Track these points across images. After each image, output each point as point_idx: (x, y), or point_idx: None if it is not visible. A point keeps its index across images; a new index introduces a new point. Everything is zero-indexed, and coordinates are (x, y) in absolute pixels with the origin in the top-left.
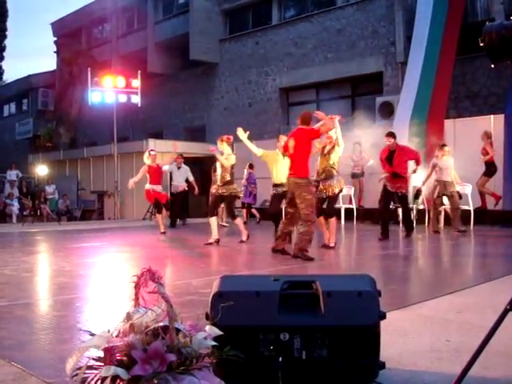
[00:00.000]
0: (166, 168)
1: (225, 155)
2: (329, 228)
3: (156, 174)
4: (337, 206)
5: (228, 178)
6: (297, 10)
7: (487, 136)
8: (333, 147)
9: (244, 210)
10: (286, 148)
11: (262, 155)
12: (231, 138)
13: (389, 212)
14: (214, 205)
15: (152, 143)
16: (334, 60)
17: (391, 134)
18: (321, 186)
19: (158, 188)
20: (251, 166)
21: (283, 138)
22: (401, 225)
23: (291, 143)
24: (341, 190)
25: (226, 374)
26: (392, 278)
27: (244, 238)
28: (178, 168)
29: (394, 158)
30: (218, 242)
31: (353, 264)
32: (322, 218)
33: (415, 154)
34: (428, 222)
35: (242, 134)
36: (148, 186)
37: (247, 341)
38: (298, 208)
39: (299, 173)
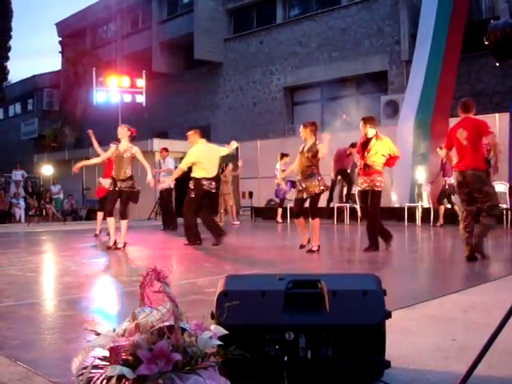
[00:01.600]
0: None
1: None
2: (312, 230)
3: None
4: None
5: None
6: (301, 9)
7: None
8: (312, 145)
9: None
10: (451, 140)
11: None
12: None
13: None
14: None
15: (157, 142)
16: (339, 59)
17: (367, 119)
18: (300, 186)
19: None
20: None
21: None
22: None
23: (462, 134)
24: (322, 191)
25: (231, 374)
26: (397, 276)
27: (111, 244)
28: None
29: (368, 146)
30: (115, 244)
31: (357, 263)
32: (301, 219)
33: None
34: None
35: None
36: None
37: (252, 340)
38: (477, 203)
39: (480, 165)
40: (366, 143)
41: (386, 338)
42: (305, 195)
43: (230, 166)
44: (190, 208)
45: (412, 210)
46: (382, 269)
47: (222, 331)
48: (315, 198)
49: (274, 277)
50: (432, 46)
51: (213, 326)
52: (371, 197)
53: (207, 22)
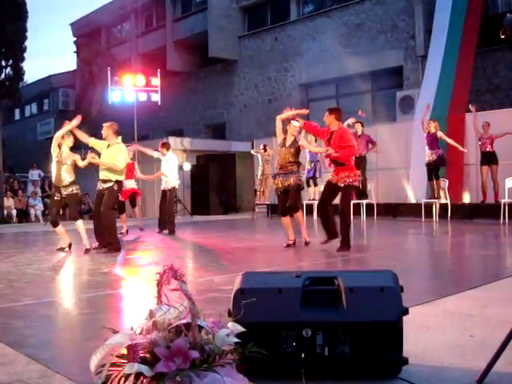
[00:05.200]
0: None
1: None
2: (299, 224)
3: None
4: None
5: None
6: (315, 5)
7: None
8: (296, 140)
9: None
10: None
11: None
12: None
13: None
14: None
15: (172, 141)
16: (354, 55)
17: (331, 110)
18: (277, 181)
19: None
20: None
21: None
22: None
23: None
24: (299, 186)
25: (248, 371)
26: (414, 273)
27: (88, 245)
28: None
29: (331, 140)
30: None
31: (374, 260)
32: (287, 218)
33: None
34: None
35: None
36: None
37: (270, 337)
38: None
39: None
40: (330, 138)
41: (404, 335)
42: (282, 189)
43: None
44: (112, 209)
45: (429, 206)
46: (398, 265)
47: (239, 328)
48: (295, 190)
49: (290, 274)
50: (447, 40)
51: (230, 324)
52: (344, 191)
53: (221, 19)
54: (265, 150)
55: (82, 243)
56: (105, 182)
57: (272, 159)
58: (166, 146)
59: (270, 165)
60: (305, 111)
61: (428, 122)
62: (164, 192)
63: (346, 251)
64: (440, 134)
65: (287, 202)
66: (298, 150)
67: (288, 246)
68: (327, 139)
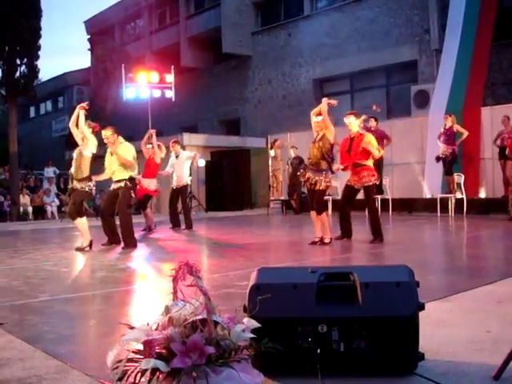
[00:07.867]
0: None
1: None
2: (320, 225)
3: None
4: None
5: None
6: (329, 0)
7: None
8: (323, 134)
9: None
10: None
11: None
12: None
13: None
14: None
15: (186, 137)
16: (368, 49)
17: (353, 114)
18: (309, 174)
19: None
20: None
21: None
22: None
23: None
24: (327, 187)
25: (264, 366)
26: (430, 268)
27: (84, 244)
28: (176, 156)
29: (352, 145)
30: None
31: (389, 255)
32: (315, 212)
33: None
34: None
35: None
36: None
37: (285, 333)
38: None
39: None
40: (350, 145)
41: (420, 330)
42: (309, 184)
43: (279, 140)
44: (126, 208)
45: (445, 201)
46: (414, 260)
47: (255, 324)
48: (321, 192)
49: (306, 269)
50: (462, 34)
51: (245, 319)
52: (366, 192)
53: (235, 15)
54: (271, 147)
55: (103, 238)
56: (117, 181)
57: (281, 154)
58: (179, 143)
59: (277, 161)
60: (334, 102)
61: (444, 117)
62: (177, 190)
63: (379, 242)
64: (457, 127)
65: (313, 201)
66: (326, 147)
67: (332, 241)
68: (346, 149)
